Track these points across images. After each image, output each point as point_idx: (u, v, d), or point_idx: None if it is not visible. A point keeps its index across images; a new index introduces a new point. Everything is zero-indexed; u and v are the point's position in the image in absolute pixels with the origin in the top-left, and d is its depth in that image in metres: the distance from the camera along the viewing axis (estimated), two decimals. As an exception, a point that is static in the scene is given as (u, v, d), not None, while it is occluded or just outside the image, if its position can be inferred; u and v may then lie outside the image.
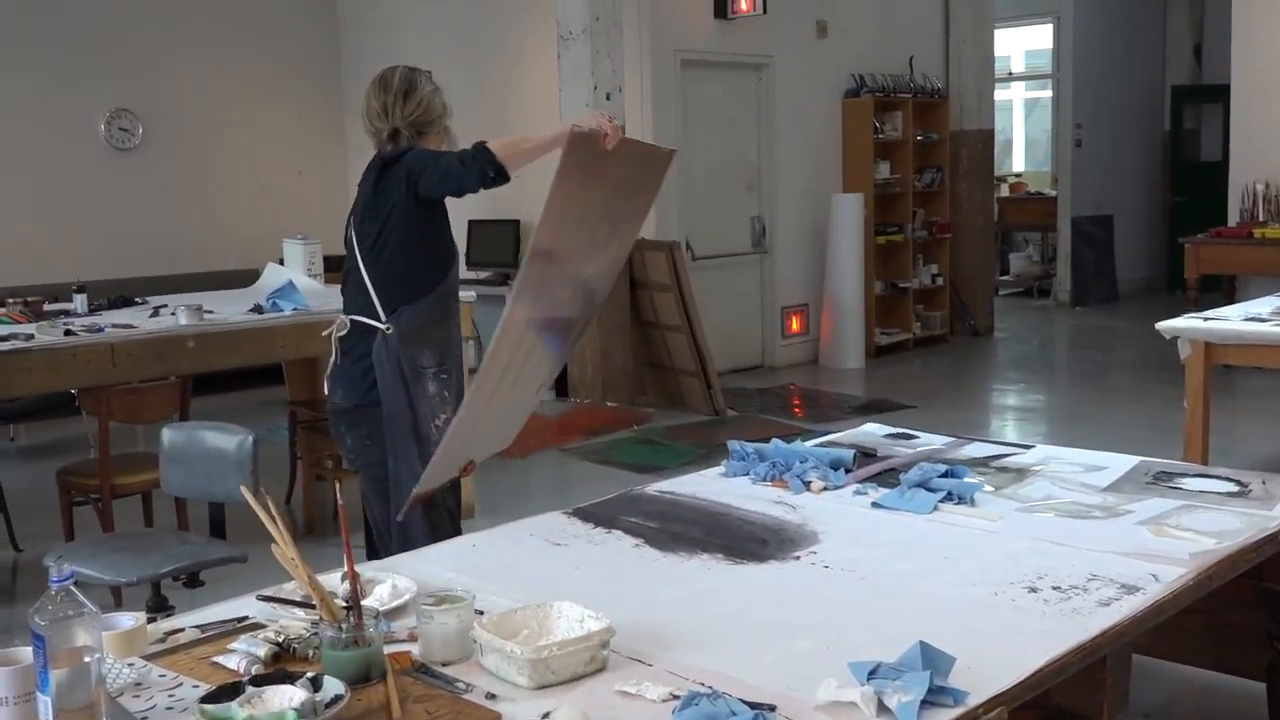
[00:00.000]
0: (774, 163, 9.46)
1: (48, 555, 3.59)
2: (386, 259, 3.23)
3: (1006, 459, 3.17)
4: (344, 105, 10.31)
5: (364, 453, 3.32)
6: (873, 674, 1.76)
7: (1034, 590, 2.21)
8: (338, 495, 2.13)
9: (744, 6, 8.82)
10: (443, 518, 3.30)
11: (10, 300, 5.28)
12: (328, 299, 5.58)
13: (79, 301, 5.31)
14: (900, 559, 2.40)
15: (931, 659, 1.79)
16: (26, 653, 1.68)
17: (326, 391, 3.37)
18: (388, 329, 3.19)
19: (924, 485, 2.78)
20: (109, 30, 8.90)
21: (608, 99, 7.62)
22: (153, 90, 9.14)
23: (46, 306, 5.26)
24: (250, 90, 9.70)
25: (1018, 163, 15.47)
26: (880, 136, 9.94)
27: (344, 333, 3.25)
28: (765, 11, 8.80)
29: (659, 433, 7.37)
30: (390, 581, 2.25)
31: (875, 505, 2.76)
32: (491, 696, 1.79)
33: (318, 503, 5.71)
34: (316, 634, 1.92)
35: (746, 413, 7.94)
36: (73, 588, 1.68)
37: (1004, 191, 14.04)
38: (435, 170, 3.16)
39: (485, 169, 3.04)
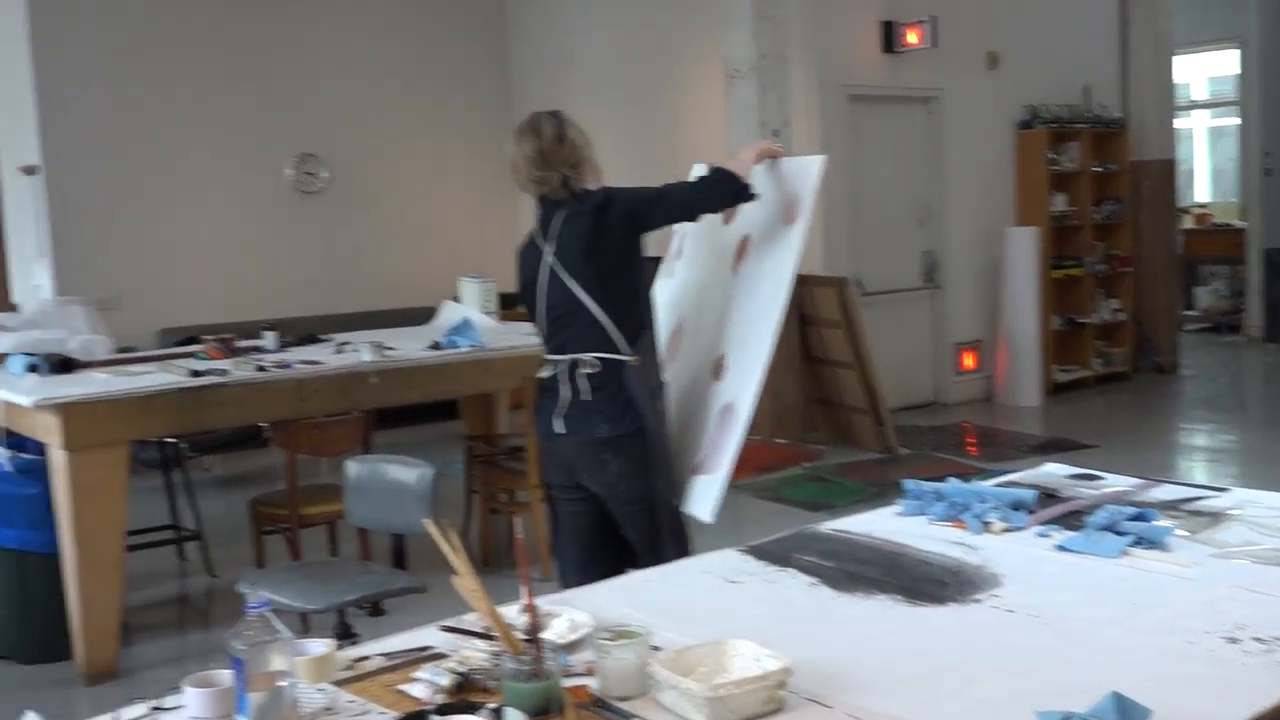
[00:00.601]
0: (945, 196, 9.32)
1: (241, 582, 3.76)
2: (617, 294, 3.38)
3: (1199, 502, 3.03)
4: (517, 147, 10.55)
5: (628, 477, 3.40)
6: (1062, 723, 1.70)
7: (1234, 640, 2.11)
8: (516, 529, 2.17)
9: (913, 40, 8.73)
10: (685, 532, 3.53)
11: (207, 338, 5.54)
12: (503, 336, 5.71)
13: (269, 339, 5.54)
14: (1087, 605, 2.32)
15: (1125, 710, 1.72)
16: (226, 675, 1.76)
17: (560, 430, 3.42)
18: (634, 360, 3.36)
19: (1111, 528, 2.68)
20: (297, 80, 9.32)
21: (775, 134, 7.63)
22: (337, 136, 9.53)
23: (239, 344, 5.50)
24: (427, 135, 10.03)
25: (1202, 193, 14.89)
26: (1055, 168, 9.70)
27: (593, 370, 3.36)
28: (935, 45, 8.70)
29: (829, 470, 7.30)
30: (567, 615, 2.27)
31: (1059, 548, 2.67)
32: (669, 733, 1.80)
33: (493, 536, 5.82)
34: (498, 665, 1.95)
35: (919, 450, 7.80)
36: (269, 614, 1.74)
37: (1188, 223, 13.52)
38: (664, 203, 3.42)
39: (732, 189, 3.42)
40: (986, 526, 2.81)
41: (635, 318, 3.40)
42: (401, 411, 7.15)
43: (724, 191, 3.44)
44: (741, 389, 3.48)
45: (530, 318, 3.55)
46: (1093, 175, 9.97)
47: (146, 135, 8.64)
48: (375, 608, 3.76)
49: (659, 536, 3.41)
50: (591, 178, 3.45)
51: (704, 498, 3.49)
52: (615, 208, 3.37)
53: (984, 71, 9.46)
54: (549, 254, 3.40)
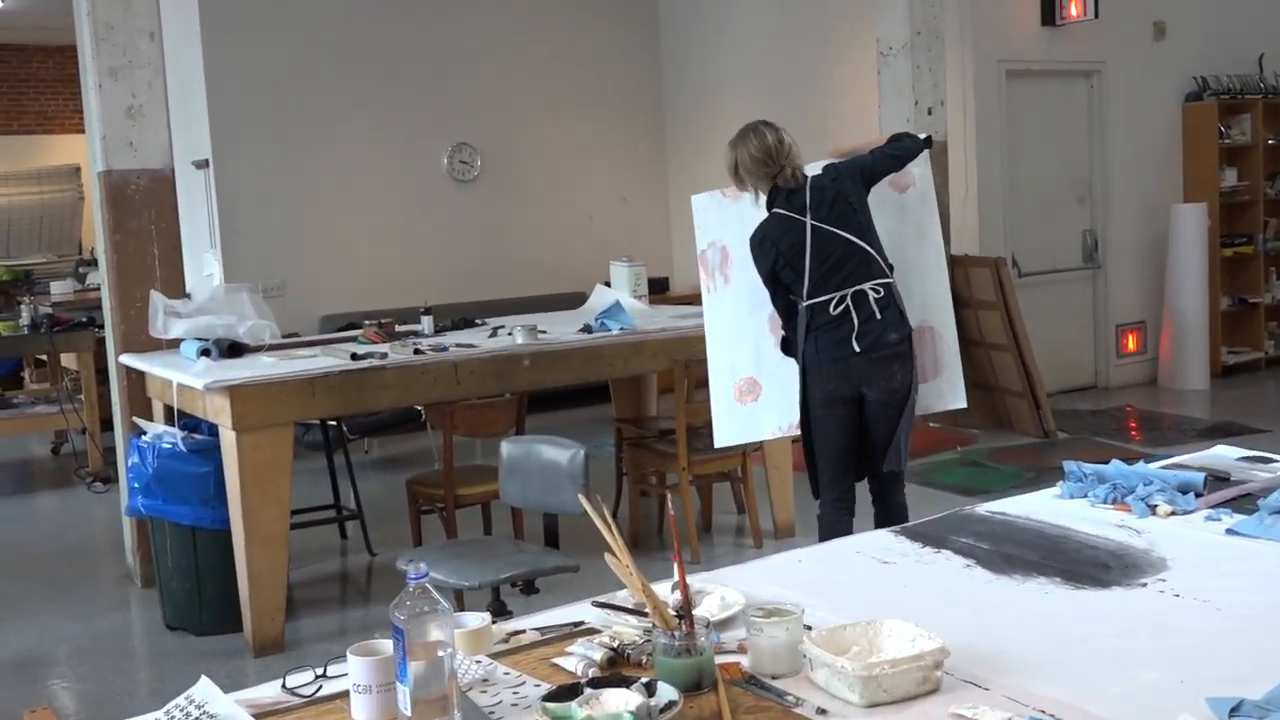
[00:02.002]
0: (1107, 173, 9.02)
1: (400, 558, 3.86)
2: (872, 233, 4.21)
3: (1383, 486, 2.87)
4: (665, 134, 10.60)
5: (907, 383, 4.23)
6: (1235, 711, 1.64)
7: None
8: (669, 507, 2.18)
9: (1073, 12, 8.46)
10: None
11: (367, 322, 5.70)
12: (653, 319, 5.74)
13: (426, 323, 5.67)
14: (1259, 590, 2.22)
15: (1301, 698, 1.65)
16: (387, 645, 1.81)
17: (857, 348, 4.14)
18: (892, 281, 4.23)
19: (1287, 512, 2.56)
20: (452, 71, 9.50)
21: (929, 113, 7.49)
22: (490, 125, 9.69)
23: (398, 328, 5.65)
24: (578, 123, 10.12)
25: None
26: (1226, 142, 9.29)
27: (878, 295, 4.16)
28: (1096, 16, 8.41)
29: (984, 455, 7.15)
30: (718, 593, 2.27)
31: (1230, 532, 2.56)
32: (823, 712, 1.78)
33: (642, 517, 5.86)
34: (650, 641, 1.96)
35: (1078, 435, 7.58)
36: (428, 585, 1.79)
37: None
38: (879, 161, 4.32)
39: (917, 142, 4.42)
40: (1152, 510, 2.72)
41: (883, 249, 4.22)
42: (553, 394, 7.26)
43: (916, 145, 4.39)
44: (938, 313, 4.52)
45: (789, 282, 4.22)
46: (1266, 148, 9.51)
47: (307, 129, 8.92)
48: (529, 586, 3.82)
49: (906, 433, 4.27)
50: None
51: (952, 391, 4.52)
52: (850, 173, 4.24)
53: (1150, 42, 9.10)
54: (809, 220, 4.14)
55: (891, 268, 4.25)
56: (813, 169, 4.32)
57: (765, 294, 4.36)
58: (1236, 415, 7.90)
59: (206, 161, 8.70)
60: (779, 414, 4.49)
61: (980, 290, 7.66)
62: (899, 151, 4.36)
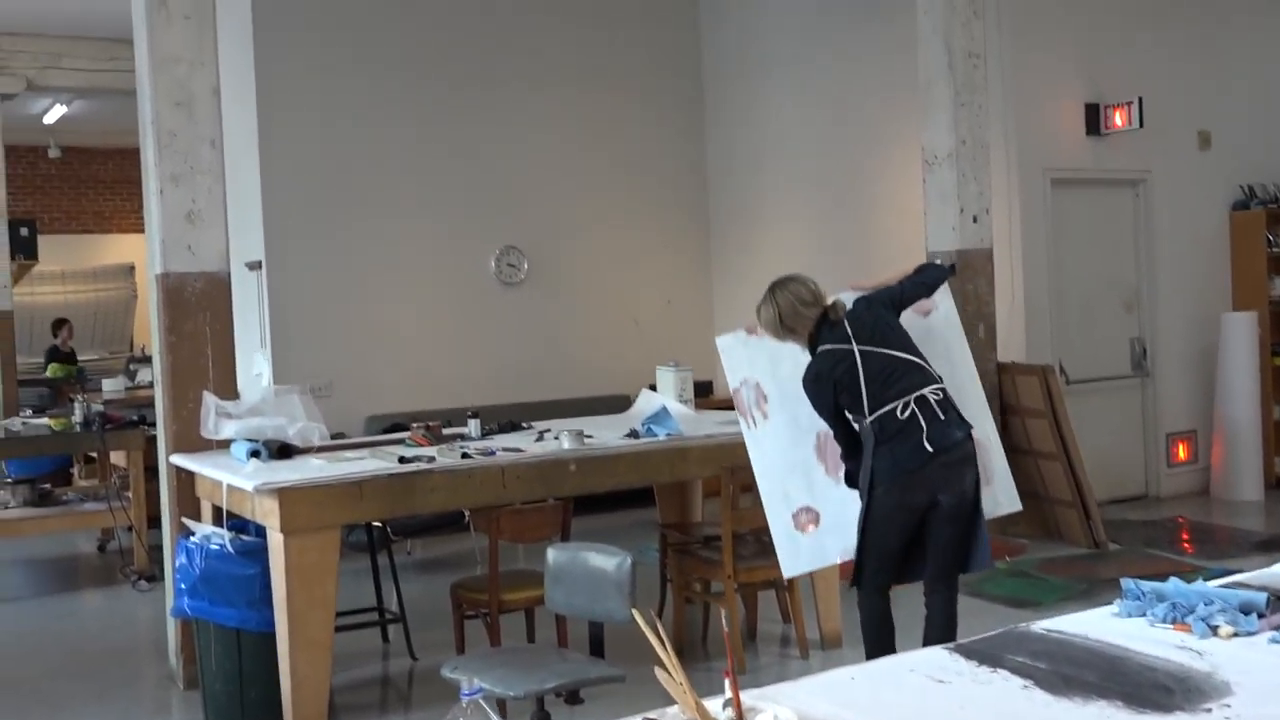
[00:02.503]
0: (1154, 281, 8.99)
1: (445, 666, 3.83)
2: (913, 346, 4.46)
3: None
4: (710, 239, 10.71)
5: (975, 485, 4.41)
6: None
7: None
8: (724, 622, 2.16)
9: (1118, 122, 8.51)
10: None
11: (414, 425, 5.73)
12: (699, 424, 5.73)
13: (473, 426, 5.68)
14: (1330, 718, 2.16)
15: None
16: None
17: (930, 448, 4.28)
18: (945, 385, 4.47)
19: (1354, 635, 2.50)
20: (499, 173, 9.67)
21: (975, 221, 7.52)
22: (537, 228, 9.82)
23: (444, 430, 5.67)
24: (624, 227, 10.25)
25: None
26: (1275, 250, 9.25)
27: (940, 396, 4.38)
28: (1141, 125, 8.45)
29: (1033, 565, 7.04)
30: (771, 711, 2.23)
31: (1296, 655, 2.50)
32: (880, 839, 1.74)
33: (686, 625, 5.79)
34: (702, 761, 1.93)
35: (1129, 546, 7.46)
36: (480, 702, 1.77)
37: None
38: (910, 290, 4.63)
39: (941, 271, 4.84)
40: (1214, 631, 2.66)
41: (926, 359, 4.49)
42: (597, 497, 7.23)
43: (941, 274, 4.78)
44: (979, 423, 4.61)
45: (849, 407, 4.39)
46: (1315, 257, 9.47)
47: (357, 230, 9.08)
48: (574, 696, 3.77)
49: (985, 532, 4.44)
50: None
51: (1006, 496, 4.79)
52: (881, 301, 4.55)
53: (1195, 151, 9.13)
54: (857, 347, 4.36)
55: (940, 376, 4.45)
56: (846, 298, 4.58)
57: (807, 425, 4.59)
58: (1292, 528, 7.76)
59: (259, 263, 8.86)
60: (841, 539, 4.58)
61: (1028, 398, 7.61)
62: (928, 279, 4.70)
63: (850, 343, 4.38)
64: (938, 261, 5.40)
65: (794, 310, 4.45)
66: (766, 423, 4.69)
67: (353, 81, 9.09)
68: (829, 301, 4.49)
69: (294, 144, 8.87)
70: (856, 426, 4.44)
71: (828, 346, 4.41)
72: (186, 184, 5.44)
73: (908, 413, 4.30)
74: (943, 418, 4.33)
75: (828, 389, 4.39)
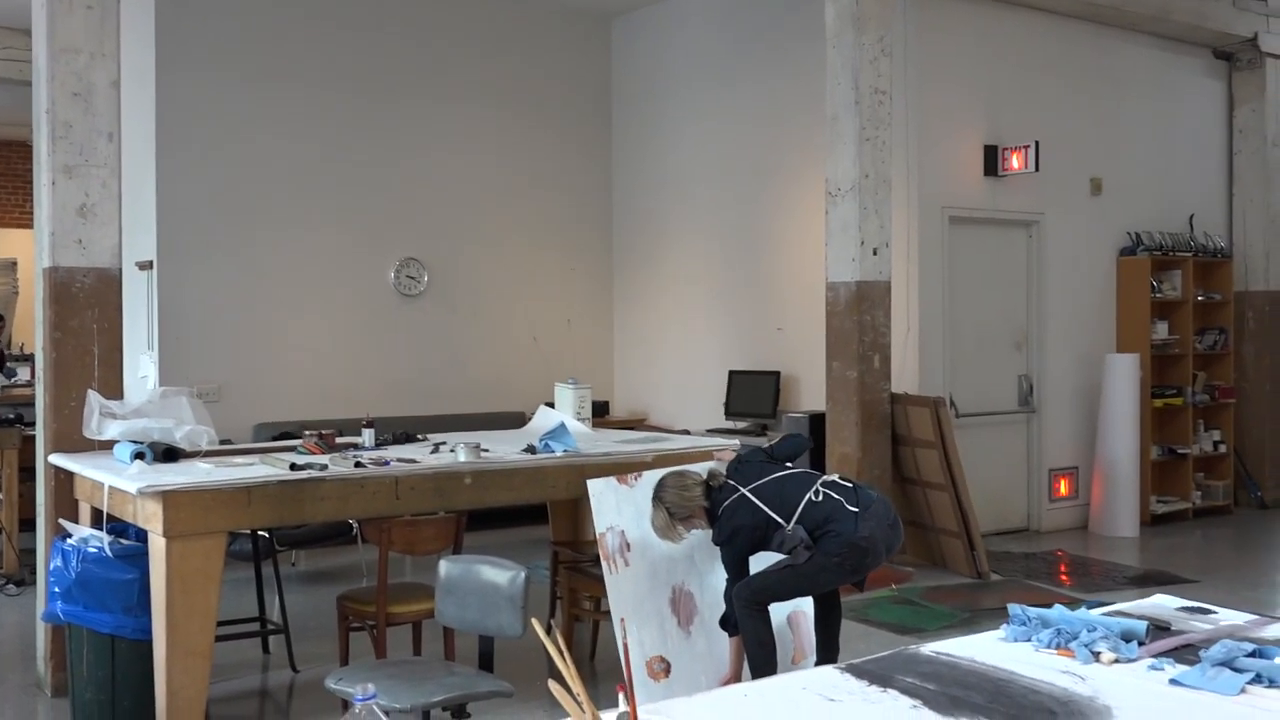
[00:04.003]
0: (1044, 321, 9.23)
1: (329, 677, 3.75)
2: (796, 470, 4.74)
3: (1319, 642, 2.90)
4: (613, 260, 10.73)
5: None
6: None
7: (1365, 789, 2.00)
8: (623, 637, 2.15)
9: (1015, 164, 8.74)
10: None
11: (307, 433, 5.63)
12: (596, 442, 5.72)
13: (367, 436, 5.60)
14: (1204, 743, 2.22)
15: None
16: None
17: (863, 498, 4.50)
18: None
19: (1229, 664, 2.57)
20: (402, 185, 9.58)
21: (874, 254, 7.64)
22: (439, 241, 9.75)
23: (338, 439, 5.57)
24: (527, 244, 10.22)
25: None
26: (1158, 296, 9.57)
27: (839, 476, 4.67)
28: (1037, 169, 8.70)
29: (918, 593, 7.14)
30: (664, 726, 2.23)
31: (1173, 682, 2.57)
32: None
33: (576, 642, 5.76)
34: (595, 773, 1.92)
35: (1011, 577, 7.61)
36: (375, 707, 1.74)
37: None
38: (776, 450, 4.93)
39: (805, 443, 5.25)
40: (1096, 656, 2.72)
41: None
42: (489, 513, 7.17)
43: (800, 445, 5.14)
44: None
45: (770, 530, 4.48)
46: (1196, 304, 9.82)
47: (255, 235, 8.92)
48: (460, 710, 3.72)
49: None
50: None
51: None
52: (753, 455, 4.81)
53: (1087, 196, 9.42)
54: (746, 490, 4.53)
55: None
56: (718, 468, 4.78)
57: (664, 579, 4.77)
58: (1165, 564, 7.99)
59: (150, 263, 8.65)
60: (690, 691, 4.63)
61: (919, 429, 7.74)
62: (789, 449, 4.98)
63: (739, 489, 4.55)
64: (797, 433, 6.17)
65: (680, 501, 4.57)
66: (628, 569, 4.73)
67: (257, 86, 8.94)
68: (703, 476, 4.64)
69: (194, 144, 8.69)
70: (782, 549, 4.52)
71: (725, 505, 4.55)
72: (81, 176, 5.30)
73: (821, 496, 4.48)
74: (851, 485, 4.58)
75: (743, 535, 4.51)
